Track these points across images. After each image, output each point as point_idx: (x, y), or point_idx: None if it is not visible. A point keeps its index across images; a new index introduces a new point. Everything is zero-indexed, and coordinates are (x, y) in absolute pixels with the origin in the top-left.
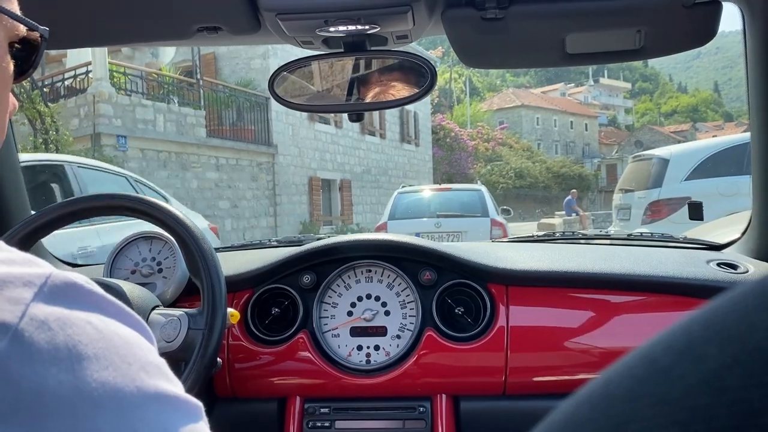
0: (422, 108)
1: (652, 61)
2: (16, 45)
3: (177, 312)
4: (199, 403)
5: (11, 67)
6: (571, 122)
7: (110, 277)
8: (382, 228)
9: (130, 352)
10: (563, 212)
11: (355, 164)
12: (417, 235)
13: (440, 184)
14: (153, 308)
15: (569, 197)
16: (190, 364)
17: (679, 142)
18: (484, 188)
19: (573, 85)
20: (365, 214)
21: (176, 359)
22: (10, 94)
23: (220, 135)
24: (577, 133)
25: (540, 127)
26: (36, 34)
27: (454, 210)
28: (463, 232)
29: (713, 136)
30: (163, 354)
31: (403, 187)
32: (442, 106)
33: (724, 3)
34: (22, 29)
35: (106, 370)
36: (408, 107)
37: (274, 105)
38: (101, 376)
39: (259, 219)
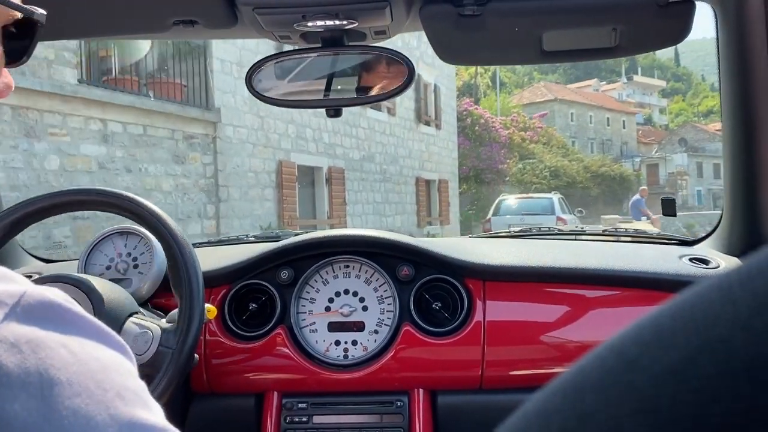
0: (445, 82)
1: (684, 61)
2: (11, 29)
3: (153, 325)
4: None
5: (1, 52)
6: (608, 119)
7: (85, 273)
8: (487, 222)
9: (107, 377)
10: (616, 215)
11: (352, 147)
12: (508, 227)
13: (525, 194)
14: (129, 315)
15: (637, 197)
16: (163, 370)
17: None
18: (555, 196)
19: (605, 82)
20: (366, 217)
21: (142, 371)
22: (6, 73)
23: (112, 85)
24: (614, 130)
25: (574, 124)
26: (32, 19)
27: (533, 210)
28: (537, 225)
29: None
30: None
31: (503, 195)
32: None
33: (697, 3)
34: (17, 14)
35: (79, 397)
36: (427, 78)
37: (218, 50)
38: (73, 403)
39: (189, 223)
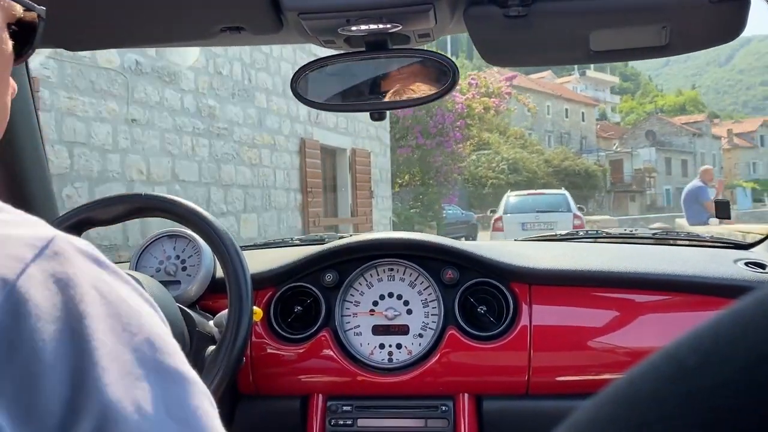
0: None
1: (631, 62)
2: (14, 26)
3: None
4: (203, 386)
5: (10, 48)
6: (566, 110)
7: None
8: (498, 220)
9: (137, 321)
10: (660, 214)
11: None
12: (522, 225)
13: (533, 190)
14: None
15: (697, 183)
16: (219, 361)
17: (694, 134)
18: (566, 192)
19: (560, 75)
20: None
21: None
22: (10, 76)
23: None
24: (573, 123)
25: (530, 114)
26: (33, 15)
27: (548, 207)
28: (553, 223)
29: (728, 129)
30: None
31: (511, 191)
32: None
33: None
34: (19, 9)
35: (108, 335)
36: None
37: None
38: (103, 338)
39: None
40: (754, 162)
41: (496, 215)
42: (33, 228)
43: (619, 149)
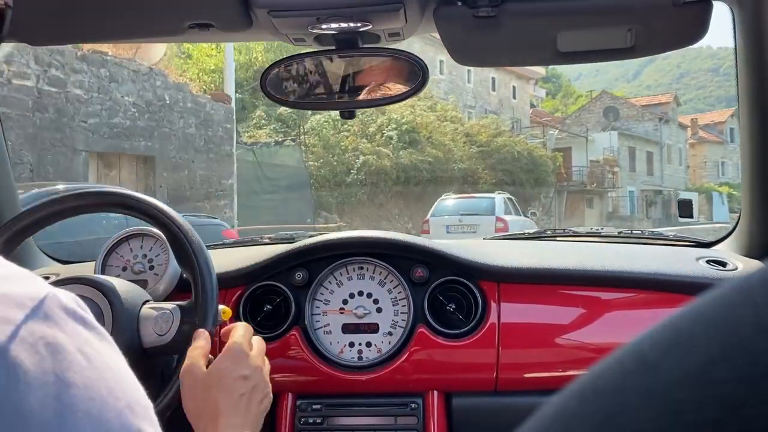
0: None
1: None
2: None
3: (169, 305)
4: None
5: None
6: (494, 80)
7: (102, 274)
8: (425, 223)
9: (120, 387)
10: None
11: None
12: (446, 227)
13: (466, 194)
14: (144, 303)
15: None
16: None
17: (660, 118)
18: (499, 196)
19: None
20: None
21: (169, 352)
22: None
23: None
24: (502, 98)
25: (446, 79)
26: (0, 2)
27: (472, 210)
28: (475, 225)
29: (692, 119)
30: (155, 348)
31: (445, 195)
32: None
33: (714, 2)
34: None
35: (93, 402)
36: None
37: None
38: (87, 406)
39: None
40: (722, 161)
41: (425, 218)
42: (23, 284)
43: (561, 134)
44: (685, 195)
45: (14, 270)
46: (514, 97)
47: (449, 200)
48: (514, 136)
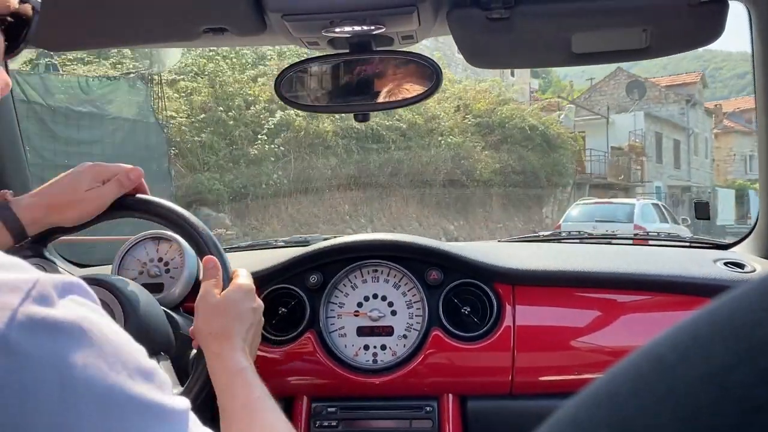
0: None
1: None
2: (8, 18)
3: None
4: (187, 411)
5: (2, 41)
6: None
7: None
8: (557, 229)
9: (119, 359)
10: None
11: None
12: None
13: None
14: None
15: None
16: (203, 364)
17: (687, 101)
18: (640, 202)
19: None
20: None
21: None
22: (2, 70)
23: None
24: (494, 78)
25: (430, 46)
26: (28, 7)
27: (608, 217)
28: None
29: (716, 105)
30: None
31: (583, 198)
32: None
33: (730, 2)
34: (14, 1)
35: (93, 372)
36: None
37: None
38: (88, 377)
39: None
40: (751, 154)
41: (558, 223)
42: (14, 271)
43: (562, 118)
44: (722, 192)
45: (5, 259)
46: (512, 75)
47: (584, 205)
48: (526, 105)
